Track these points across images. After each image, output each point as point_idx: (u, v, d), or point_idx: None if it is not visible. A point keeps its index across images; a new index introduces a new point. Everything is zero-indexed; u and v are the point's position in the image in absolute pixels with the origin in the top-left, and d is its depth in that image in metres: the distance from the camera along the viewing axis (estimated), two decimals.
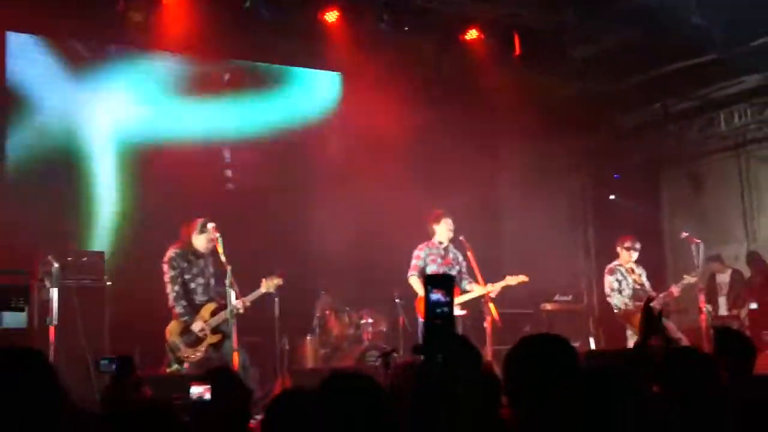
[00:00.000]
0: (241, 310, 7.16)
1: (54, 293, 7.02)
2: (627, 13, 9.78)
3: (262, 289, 7.45)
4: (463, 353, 2.52)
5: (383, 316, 9.11)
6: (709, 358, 3.47)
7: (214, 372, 4.04)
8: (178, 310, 7.36)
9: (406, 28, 9.67)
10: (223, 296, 7.22)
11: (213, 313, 7.40)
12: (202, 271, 7.55)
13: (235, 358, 6.83)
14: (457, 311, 7.87)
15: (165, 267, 7.45)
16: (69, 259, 7.58)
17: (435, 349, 2.49)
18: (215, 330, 7.37)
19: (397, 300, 9.11)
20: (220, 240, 7.19)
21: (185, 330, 7.36)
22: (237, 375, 4.35)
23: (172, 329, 7.37)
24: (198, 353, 7.31)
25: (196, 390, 3.63)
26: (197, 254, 7.52)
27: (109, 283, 7.90)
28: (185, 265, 7.46)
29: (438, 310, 2.51)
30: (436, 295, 2.53)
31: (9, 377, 2.34)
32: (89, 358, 6.91)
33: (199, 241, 7.50)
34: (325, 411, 2.63)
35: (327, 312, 9.00)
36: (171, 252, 7.49)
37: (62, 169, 9.05)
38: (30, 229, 8.26)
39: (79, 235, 8.94)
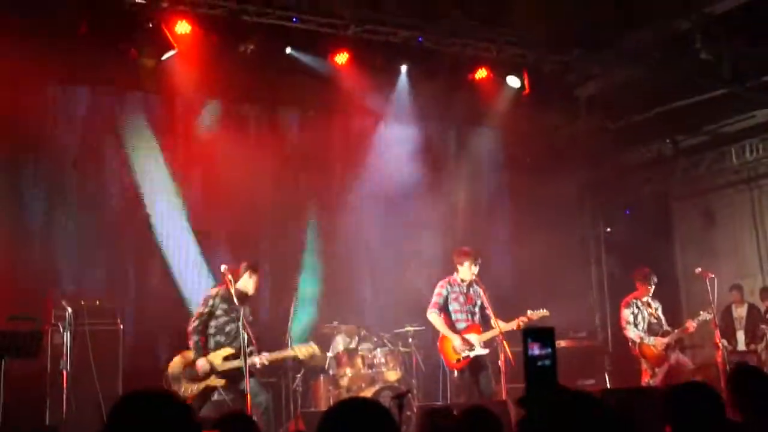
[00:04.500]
0: (258, 366, 7.15)
1: (67, 338, 7.02)
2: (633, 50, 9.85)
3: (290, 353, 7.48)
4: (568, 405, 2.47)
5: (397, 357, 9.04)
6: (717, 394, 3.42)
7: (229, 418, 3.97)
8: (192, 341, 7.27)
9: (417, 69, 9.81)
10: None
11: (227, 358, 7.25)
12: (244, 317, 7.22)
13: (249, 401, 6.77)
14: (481, 351, 7.82)
15: (201, 299, 7.52)
16: (82, 303, 7.60)
17: (537, 402, 2.48)
18: (222, 375, 7.23)
19: (410, 339, 9.05)
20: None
21: (190, 363, 7.25)
22: (254, 423, 4.21)
23: (177, 361, 7.30)
24: (197, 389, 7.17)
25: None
26: (241, 298, 7.30)
27: (121, 326, 7.91)
28: (225, 306, 7.37)
29: (539, 363, 2.52)
30: (535, 349, 2.52)
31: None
32: (102, 403, 6.91)
33: (249, 284, 7.53)
34: None
35: (340, 352, 8.94)
36: (214, 290, 7.52)
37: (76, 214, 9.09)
38: (43, 274, 8.29)
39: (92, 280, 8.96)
